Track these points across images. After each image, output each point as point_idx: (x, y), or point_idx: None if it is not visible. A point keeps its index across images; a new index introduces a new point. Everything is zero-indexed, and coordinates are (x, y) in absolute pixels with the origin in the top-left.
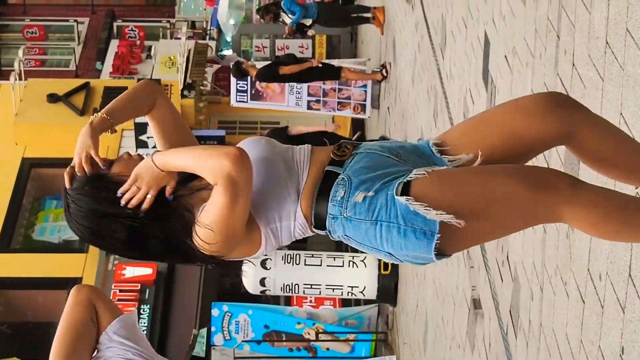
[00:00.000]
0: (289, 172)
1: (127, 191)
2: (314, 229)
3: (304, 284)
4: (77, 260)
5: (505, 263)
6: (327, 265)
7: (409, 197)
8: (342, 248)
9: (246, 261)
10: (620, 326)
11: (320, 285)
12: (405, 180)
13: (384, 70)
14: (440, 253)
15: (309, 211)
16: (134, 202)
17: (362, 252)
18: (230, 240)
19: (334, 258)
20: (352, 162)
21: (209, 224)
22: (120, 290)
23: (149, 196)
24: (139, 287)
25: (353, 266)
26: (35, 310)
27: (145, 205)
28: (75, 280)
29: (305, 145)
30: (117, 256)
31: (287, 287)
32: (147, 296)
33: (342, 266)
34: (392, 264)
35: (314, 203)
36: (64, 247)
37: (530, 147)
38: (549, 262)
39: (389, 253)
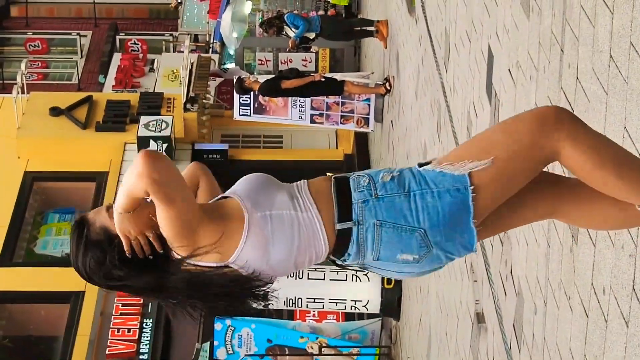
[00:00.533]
0: (286, 189)
1: (131, 247)
2: (336, 226)
3: (307, 298)
4: None
5: (509, 277)
6: (330, 279)
7: (436, 162)
8: None
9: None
10: (624, 340)
11: (323, 299)
12: (422, 161)
13: (387, 84)
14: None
15: (329, 212)
16: (146, 249)
17: None
18: (191, 235)
19: (337, 272)
20: (354, 175)
21: (168, 233)
22: (123, 304)
23: (150, 237)
24: (141, 301)
25: (356, 280)
26: (38, 324)
27: (157, 245)
28: (78, 294)
29: (302, 181)
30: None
31: (290, 301)
32: (149, 310)
33: (346, 280)
34: (396, 279)
35: (335, 198)
36: (67, 261)
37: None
38: (553, 277)
39: (424, 230)
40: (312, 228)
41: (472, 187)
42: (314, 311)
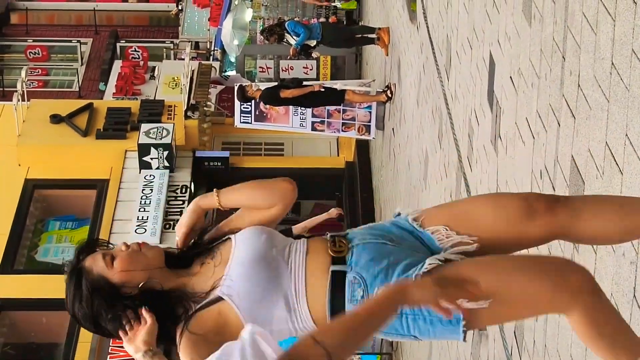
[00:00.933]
0: (283, 269)
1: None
2: None
3: None
4: None
5: None
6: None
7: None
8: None
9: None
10: None
11: None
12: (420, 272)
13: (388, 92)
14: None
15: (322, 314)
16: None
17: None
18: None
19: None
20: (353, 257)
21: None
22: None
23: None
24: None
25: None
26: (39, 331)
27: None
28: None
29: (302, 241)
30: None
31: None
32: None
33: None
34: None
35: (328, 306)
36: None
37: (515, 246)
38: None
39: (414, 336)
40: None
41: (464, 322)
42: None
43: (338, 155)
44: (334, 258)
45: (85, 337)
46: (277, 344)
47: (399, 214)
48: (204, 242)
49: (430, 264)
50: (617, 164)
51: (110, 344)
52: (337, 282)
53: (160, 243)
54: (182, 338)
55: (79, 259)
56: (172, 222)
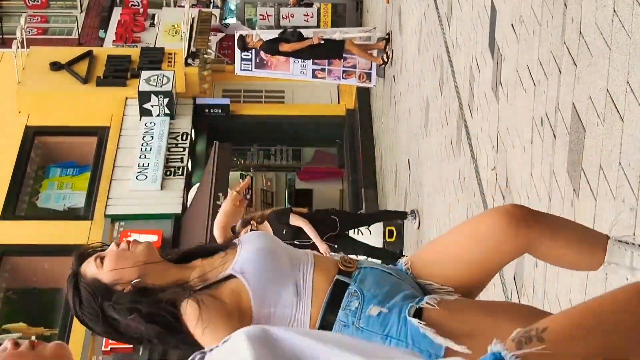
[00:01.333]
0: (291, 266)
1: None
2: (316, 326)
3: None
4: (82, 227)
5: None
6: None
7: (420, 321)
8: None
9: None
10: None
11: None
12: (418, 306)
13: (384, 56)
14: None
15: (316, 313)
16: None
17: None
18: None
19: None
20: (359, 275)
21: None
22: None
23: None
24: None
25: (359, 233)
26: (41, 276)
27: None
28: (80, 247)
29: (310, 256)
30: (122, 222)
31: None
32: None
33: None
34: (397, 233)
35: (324, 308)
36: (69, 215)
37: (496, 268)
38: None
39: None
40: (301, 324)
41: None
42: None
43: (339, 103)
44: (341, 270)
45: None
46: None
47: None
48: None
49: (428, 302)
50: (617, 111)
51: None
52: (338, 290)
53: (161, 189)
54: (189, 303)
55: (77, 264)
56: (172, 169)
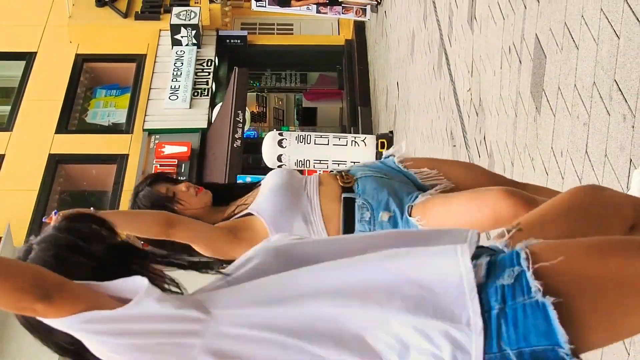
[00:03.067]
0: (298, 197)
1: None
2: None
3: (314, 160)
4: (124, 139)
5: (483, 142)
6: (334, 144)
7: (418, 218)
8: (346, 130)
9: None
10: None
11: (327, 160)
12: (413, 204)
13: None
14: None
15: (336, 232)
16: None
17: (363, 134)
18: (225, 254)
19: (339, 138)
20: (359, 186)
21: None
22: (161, 165)
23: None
24: (176, 162)
25: (355, 145)
26: (90, 181)
27: None
28: (123, 156)
29: (314, 175)
30: (157, 136)
31: (300, 162)
32: (182, 170)
33: (346, 145)
34: (388, 144)
35: (343, 224)
36: (113, 129)
37: None
38: (519, 142)
39: None
40: None
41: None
42: (319, 170)
43: (339, 34)
44: (344, 188)
45: (129, 186)
46: None
47: (387, 157)
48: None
49: (421, 199)
50: (573, 40)
51: None
52: (348, 207)
53: (190, 108)
54: (217, 231)
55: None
56: (199, 90)
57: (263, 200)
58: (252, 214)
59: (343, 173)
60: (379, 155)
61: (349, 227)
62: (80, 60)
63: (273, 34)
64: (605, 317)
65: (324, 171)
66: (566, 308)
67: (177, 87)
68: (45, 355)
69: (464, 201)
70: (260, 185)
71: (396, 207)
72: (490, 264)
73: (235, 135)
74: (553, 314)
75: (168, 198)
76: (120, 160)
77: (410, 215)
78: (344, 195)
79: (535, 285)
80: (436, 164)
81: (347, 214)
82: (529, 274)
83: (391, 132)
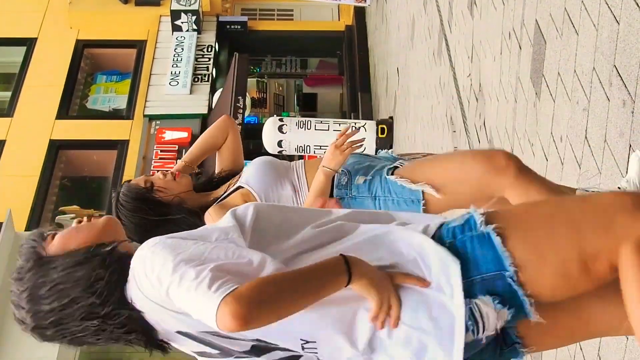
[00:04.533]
0: (285, 169)
1: None
2: None
3: (314, 145)
4: (124, 125)
5: (483, 128)
6: (334, 130)
7: (399, 177)
8: (347, 116)
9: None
10: (576, 179)
11: (327, 146)
12: (392, 166)
13: None
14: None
15: None
16: None
17: (364, 119)
18: None
19: (339, 124)
20: None
21: None
22: (161, 150)
23: None
24: (176, 148)
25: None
26: (91, 166)
27: None
28: (124, 142)
29: (299, 161)
30: (158, 121)
31: (300, 147)
32: (183, 155)
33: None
34: (388, 129)
35: None
36: (113, 115)
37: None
38: (519, 127)
39: None
40: None
41: (423, 202)
42: (320, 156)
43: (339, 20)
44: None
45: (129, 172)
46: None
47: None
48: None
49: (400, 162)
50: (573, 25)
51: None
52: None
53: (190, 93)
54: (210, 209)
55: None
56: (199, 76)
57: (250, 173)
58: (242, 187)
59: None
60: (378, 142)
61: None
62: (81, 46)
63: (273, 19)
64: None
65: (309, 157)
66: (507, 238)
67: (177, 72)
68: (40, 349)
69: (458, 153)
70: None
71: (375, 172)
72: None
73: (236, 121)
74: (497, 240)
75: (147, 189)
76: (121, 146)
77: (389, 175)
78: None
79: (480, 219)
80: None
81: None
82: (477, 214)
83: (391, 117)
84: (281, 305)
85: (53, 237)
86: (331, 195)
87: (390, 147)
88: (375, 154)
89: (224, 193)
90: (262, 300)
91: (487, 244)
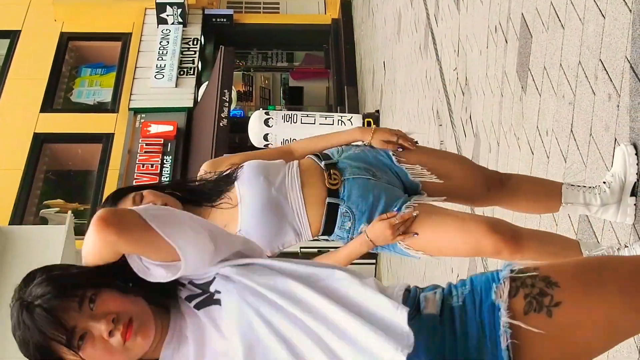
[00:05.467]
0: (286, 216)
1: None
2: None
3: (300, 140)
4: (109, 118)
5: (469, 122)
6: (320, 123)
7: (402, 245)
8: (333, 109)
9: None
10: (562, 173)
11: None
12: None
13: None
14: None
15: (316, 231)
16: None
17: (350, 113)
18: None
19: (326, 117)
20: (345, 191)
21: None
22: (147, 144)
23: None
24: (162, 142)
25: (341, 124)
26: (75, 160)
27: None
28: (109, 136)
29: (294, 171)
30: (143, 114)
31: (286, 141)
32: (169, 149)
33: (333, 124)
34: (374, 123)
35: (322, 228)
36: (98, 108)
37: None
38: (505, 121)
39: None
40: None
41: (419, 258)
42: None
43: (325, 13)
44: (330, 190)
45: (114, 165)
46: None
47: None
48: (211, 186)
49: (405, 208)
50: (559, 20)
51: (136, 171)
52: (331, 212)
53: (176, 87)
54: None
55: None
56: (185, 70)
57: (250, 227)
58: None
59: (332, 171)
60: None
61: (328, 230)
62: (65, 39)
63: (259, 12)
64: None
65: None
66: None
67: (162, 66)
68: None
69: (451, 231)
70: (233, 185)
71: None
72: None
73: (222, 115)
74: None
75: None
76: (105, 140)
77: None
78: (328, 200)
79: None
80: (428, 158)
81: (329, 219)
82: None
83: (377, 111)
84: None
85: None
86: (331, 232)
87: None
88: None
89: None
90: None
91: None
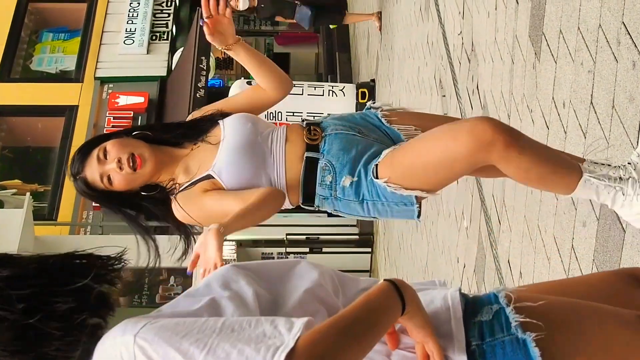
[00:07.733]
0: (265, 163)
1: None
2: (301, 205)
3: (287, 112)
4: (73, 89)
5: (475, 92)
6: (308, 94)
7: (385, 180)
8: (323, 79)
9: None
10: (582, 150)
11: (301, 112)
12: (378, 162)
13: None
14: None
15: (296, 195)
16: None
17: (342, 82)
18: None
19: (315, 88)
20: (326, 145)
21: None
22: (114, 118)
23: None
24: (131, 115)
25: (332, 95)
26: (35, 136)
27: None
28: (72, 108)
29: (282, 128)
30: (111, 85)
31: (271, 114)
32: (139, 122)
33: (322, 95)
34: (369, 94)
35: (302, 186)
36: (61, 77)
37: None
38: (516, 91)
39: (374, 217)
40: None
41: (417, 205)
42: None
43: None
44: (308, 145)
45: (78, 141)
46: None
47: (369, 108)
48: (194, 123)
49: (386, 153)
50: None
51: None
52: (310, 167)
53: (148, 53)
54: (178, 199)
55: (77, 168)
56: (158, 34)
57: (225, 163)
58: (212, 177)
59: (312, 127)
60: (359, 107)
61: (309, 191)
62: (25, 0)
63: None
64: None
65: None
66: (547, 345)
67: (132, 30)
68: None
69: (436, 134)
70: (218, 123)
71: (362, 169)
72: (467, 303)
73: (199, 84)
74: (535, 352)
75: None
76: (69, 113)
77: (376, 177)
78: (306, 154)
79: (515, 320)
80: (423, 120)
81: (307, 177)
82: (509, 310)
83: (373, 80)
84: (348, 355)
85: None
86: (313, 192)
87: (373, 101)
88: (359, 109)
89: (190, 181)
90: (325, 355)
91: (521, 351)
